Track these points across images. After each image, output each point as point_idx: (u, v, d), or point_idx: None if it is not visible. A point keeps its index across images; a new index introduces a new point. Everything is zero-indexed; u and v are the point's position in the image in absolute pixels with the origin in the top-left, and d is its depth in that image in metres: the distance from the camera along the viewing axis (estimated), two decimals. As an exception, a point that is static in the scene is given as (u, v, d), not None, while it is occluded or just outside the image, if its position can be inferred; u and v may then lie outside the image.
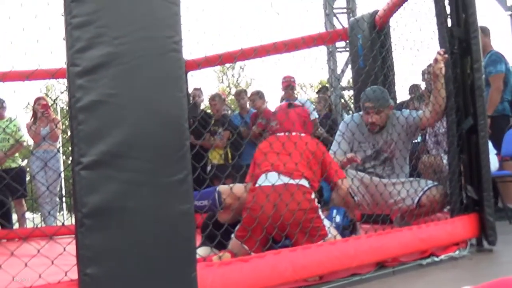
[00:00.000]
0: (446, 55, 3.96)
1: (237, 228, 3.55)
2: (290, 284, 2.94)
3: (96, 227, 2.09)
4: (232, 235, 3.57)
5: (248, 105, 8.68)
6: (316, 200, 3.58)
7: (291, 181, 3.52)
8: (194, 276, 2.29)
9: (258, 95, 8.29)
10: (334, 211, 3.84)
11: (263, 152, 3.72)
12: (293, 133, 3.85)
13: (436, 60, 3.99)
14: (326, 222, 3.57)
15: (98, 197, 2.09)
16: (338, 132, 4.69)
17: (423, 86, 6.22)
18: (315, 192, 3.65)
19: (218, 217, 3.68)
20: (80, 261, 2.08)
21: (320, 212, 3.56)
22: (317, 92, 9.90)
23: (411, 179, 4.46)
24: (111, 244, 2.10)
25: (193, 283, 2.29)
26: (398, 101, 6.29)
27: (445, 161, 4.52)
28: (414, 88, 6.87)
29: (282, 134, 3.88)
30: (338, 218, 3.80)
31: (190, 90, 8.69)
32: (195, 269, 2.30)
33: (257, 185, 3.60)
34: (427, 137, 5.57)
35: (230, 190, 3.69)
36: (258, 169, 3.69)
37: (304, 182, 3.57)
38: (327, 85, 11.77)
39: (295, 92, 8.46)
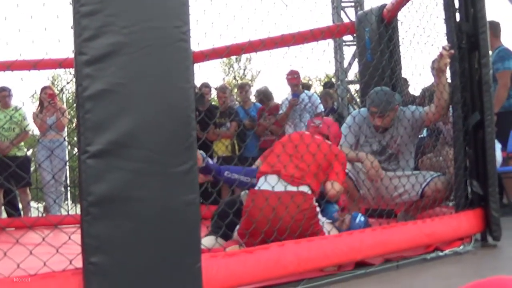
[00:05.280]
0: (452, 51, 3.94)
1: (239, 225, 3.54)
2: (295, 276, 2.95)
3: (102, 216, 2.09)
4: (235, 231, 3.56)
5: (253, 99, 8.68)
6: (316, 206, 3.55)
7: (290, 187, 3.50)
8: (198, 266, 2.29)
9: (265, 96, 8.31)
10: (359, 214, 3.85)
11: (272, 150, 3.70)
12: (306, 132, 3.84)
13: (441, 55, 3.98)
14: (326, 226, 3.56)
15: (104, 186, 2.09)
16: (344, 125, 4.68)
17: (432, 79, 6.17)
18: (316, 197, 3.61)
19: None
20: (85, 250, 2.08)
21: (319, 216, 3.53)
22: (323, 86, 9.86)
23: (416, 172, 4.46)
24: (116, 233, 2.11)
25: (198, 274, 2.29)
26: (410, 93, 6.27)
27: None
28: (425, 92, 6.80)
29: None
30: (361, 219, 3.79)
31: (197, 82, 8.67)
32: (199, 260, 2.30)
33: (256, 187, 3.58)
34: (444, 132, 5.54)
35: None
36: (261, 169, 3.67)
37: (304, 188, 3.53)
38: (333, 79, 11.75)
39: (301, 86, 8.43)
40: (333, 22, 10.19)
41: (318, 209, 3.53)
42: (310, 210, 3.44)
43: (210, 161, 3.68)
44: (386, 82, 4.92)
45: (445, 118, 4.62)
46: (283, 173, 3.52)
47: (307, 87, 9.24)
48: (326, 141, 3.86)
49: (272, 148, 3.83)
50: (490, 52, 6.09)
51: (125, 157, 2.14)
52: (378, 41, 5.54)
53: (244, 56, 27.57)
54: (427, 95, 5.97)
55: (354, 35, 7.92)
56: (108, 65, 2.13)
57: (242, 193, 3.87)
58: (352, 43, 10.63)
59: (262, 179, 3.56)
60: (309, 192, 3.52)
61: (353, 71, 11.19)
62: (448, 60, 3.96)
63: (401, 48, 5.74)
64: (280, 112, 7.87)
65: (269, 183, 3.49)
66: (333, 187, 3.70)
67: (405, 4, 5.28)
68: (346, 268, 3.22)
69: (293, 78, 7.90)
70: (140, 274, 2.15)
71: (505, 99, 6.04)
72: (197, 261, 2.29)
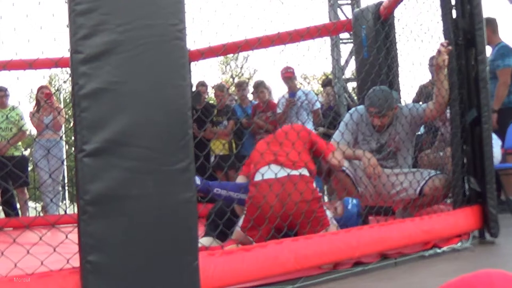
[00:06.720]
0: (450, 47, 3.94)
1: (241, 220, 3.54)
2: (293, 273, 2.94)
3: (99, 215, 2.09)
4: (237, 227, 3.56)
5: (250, 97, 8.68)
6: (318, 189, 3.58)
7: (294, 172, 3.52)
8: (196, 265, 2.28)
9: (264, 87, 8.27)
10: (350, 199, 3.86)
11: (260, 152, 3.72)
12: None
13: (439, 52, 3.98)
14: (328, 213, 3.58)
15: (101, 185, 2.09)
16: (342, 123, 4.68)
17: (429, 76, 6.16)
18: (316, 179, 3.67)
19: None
20: (82, 249, 2.08)
21: (322, 202, 3.57)
22: (322, 86, 9.83)
23: (414, 169, 4.46)
24: (113, 232, 2.10)
25: (195, 272, 2.28)
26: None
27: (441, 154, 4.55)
28: (422, 89, 6.79)
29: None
30: (354, 202, 3.81)
31: (194, 81, 8.67)
32: (197, 258, 2.29)
33: (260, 178, 3.58)
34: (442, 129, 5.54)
35: None
36: (261, 159, 3.69)
37: (305, 171, 3.58)
38: (330, 76, 11.75)
39: (297, 83, 8.44)
40: (330, 19, 10.20)
41: (320, 194, 3.58)
42: (314, 192, 3.51)
43: (198, 182, 3.67)
44: (382, 79, 4.91)
45: (443, 116, 4.62)
46: (284, 162, 3.57)
47: (328, 82, 9.25)
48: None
49: (256, 149, 3.89)
50: (490, 49, 6.10)
51: (122, 156, 2.13)
52: (374, 38, 5.54)
53: (241, 54, 27.53)
54: (424, 92, 5.97)
55: (351, 32, 7.93)
56: (104, 63, 2.13)
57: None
58: (349, 40, 10.64)
59: (265, 168, 3.59)
60: (309, 174, 3.57)
61: (350, 69, 11.20)
62: (446, 57, 3.96)
63: (397, 45, 5.74)
64: (278, 111, 7.87)
65: (272, 171, 3.54)
66: (334, 156, 3.92)
67: (401, 1, 5.28)
68: (344, 266, 3.22)
69: (287, 72, 7.90)
70: (137, 273, 2.14)
71: (505, 96, 6.02)
72: (194, 259, 2.28)
